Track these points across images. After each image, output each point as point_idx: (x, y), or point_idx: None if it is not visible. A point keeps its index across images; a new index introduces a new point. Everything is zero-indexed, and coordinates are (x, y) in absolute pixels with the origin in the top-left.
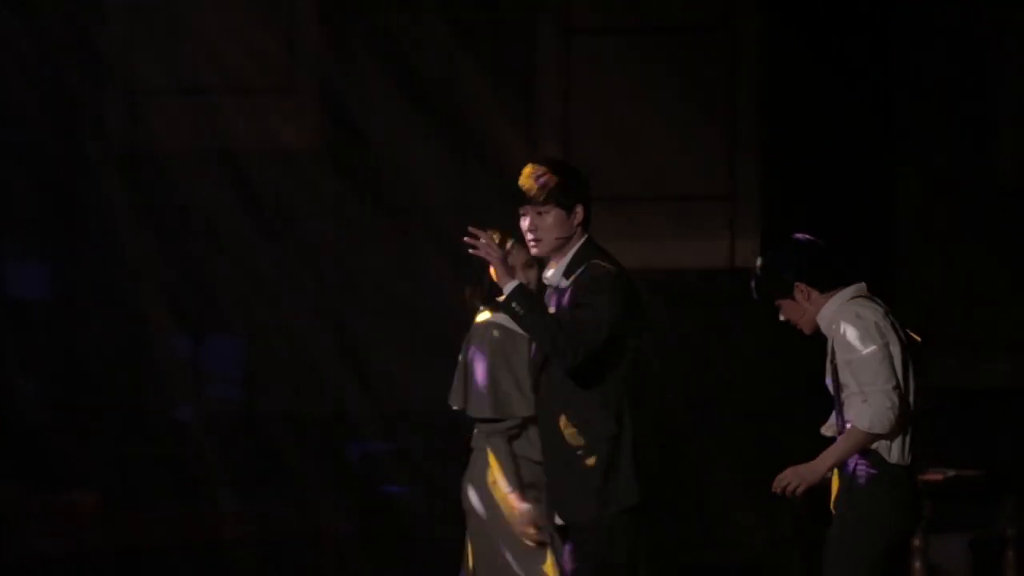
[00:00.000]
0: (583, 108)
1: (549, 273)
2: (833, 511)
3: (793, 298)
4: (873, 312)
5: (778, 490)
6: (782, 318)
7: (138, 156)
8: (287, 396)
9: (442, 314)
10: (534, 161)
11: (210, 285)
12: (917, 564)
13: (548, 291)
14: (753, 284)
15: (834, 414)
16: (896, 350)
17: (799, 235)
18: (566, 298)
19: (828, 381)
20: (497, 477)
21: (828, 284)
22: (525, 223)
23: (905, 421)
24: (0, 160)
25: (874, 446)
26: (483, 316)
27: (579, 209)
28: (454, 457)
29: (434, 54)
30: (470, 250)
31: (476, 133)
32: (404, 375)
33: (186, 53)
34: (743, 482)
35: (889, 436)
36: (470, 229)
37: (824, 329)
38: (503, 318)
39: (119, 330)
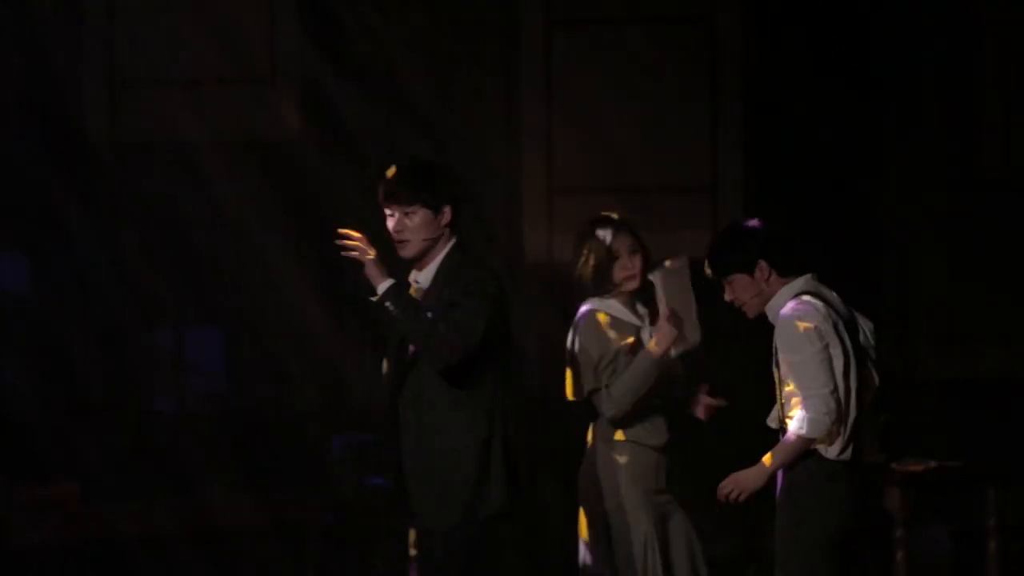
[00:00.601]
0: (565, 99)
1: (419, 275)
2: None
3: (751, 275)
4: (815, 312)
5: (721, 498)
6: (728, 297)
7: (120, 148)
8: (270, 389)
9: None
10: (400, 161)
11: (193, 277)
12: (899, 555)
13: (418, 294)
14: (712, 254)
15: (776, 406)
16: (837, 351)
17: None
18: (438, 299)
19: (775, 367)
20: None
21: (789, 268)
22: (391, 224)
23: (844, 420)
24: None
25: (815, 442)
26: (585, 306)
27: (447, 210)
28: None
29: (414, 45)
30: (341, 252)
31: (458, 124)
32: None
33: (169, 43)
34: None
35: (826, 440)
36: (339, 231)
37: (770, 317)
38: (606, 305)
39: (101, 323)
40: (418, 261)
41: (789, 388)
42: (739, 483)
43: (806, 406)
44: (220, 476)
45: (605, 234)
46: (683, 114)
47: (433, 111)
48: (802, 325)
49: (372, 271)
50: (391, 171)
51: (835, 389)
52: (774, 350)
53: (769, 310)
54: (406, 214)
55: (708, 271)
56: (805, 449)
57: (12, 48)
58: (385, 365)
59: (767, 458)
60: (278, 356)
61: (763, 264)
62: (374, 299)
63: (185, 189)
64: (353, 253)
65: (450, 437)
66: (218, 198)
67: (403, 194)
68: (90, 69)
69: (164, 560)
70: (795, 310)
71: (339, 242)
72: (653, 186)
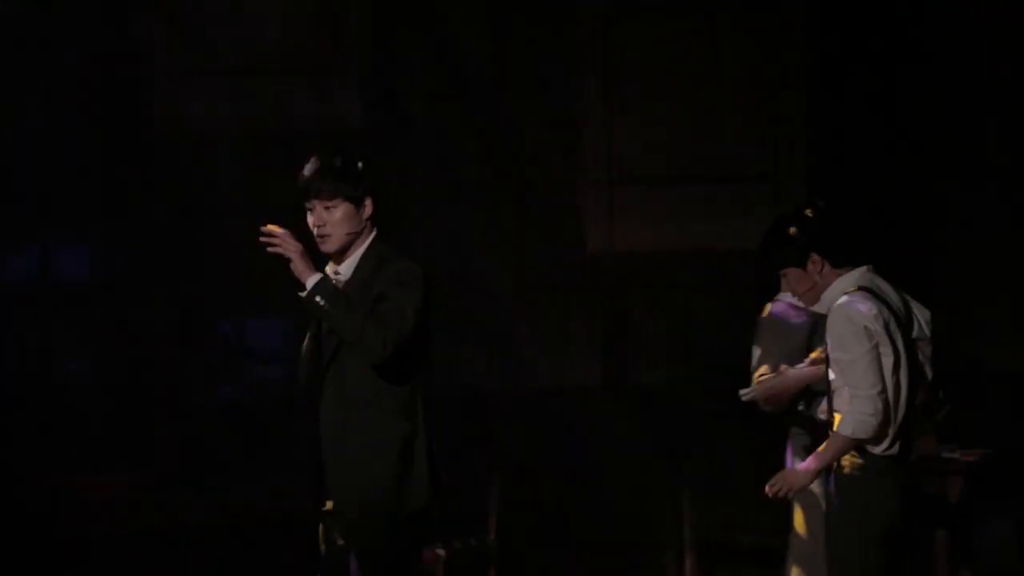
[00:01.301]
0: (625, 87)
1: (339, 268)
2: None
3: (804, 268)
4: (867, 312)
5: (770, 494)
6: (784, 289)
7: (184, 137)
8: None
9: (481, 292)
10: (320, 152)
11: (254, 268)
12: (956, 545)
13: (339, 286)
14: (764, 248)
15: (825, 399)
16: (886, 349)
17: (819, 203)
18: (363, 292)
19: (830, 359)
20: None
21: (842, 259)
22: (311, 218)
23: (892, 418)
24: (43, 143)
25: (861, 439)
26: (767, 308)
27: (368, 202)
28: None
29: (475, 35)
30: (267, 249)
31: (517, 114)
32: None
33: (233, 32)
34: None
35: (872, 440)
36: (263, 228)
37: (823, 309)
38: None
39: (163, 312)
40: (339, 254)
41: (838, 383)
42: (787, 481)
43: (853, 406)
44: (284, 465)
45: None
46: (746, 102)
47: (493, 101)
48: (852, 324)
49: (299, 266)
50: (310, 163)
51: (883, 389)
52: (826, 343)
53: (823, 302)
54: (327, 208)
55: (762, 265)
56: (852, 447)
57: (76, 37)
58: (304, 356)
59: (815, 456)
60: None
61: (815, 257)
62: (302, 294)
63: (246, 179)
64: (277, 249)
65: (372, 431)
66: (279, 189)
67: (324, 187)
68: (156, 58)
69: (229, 549)
70: (845, 308)
71: (262, 239)
72: (714, 176)
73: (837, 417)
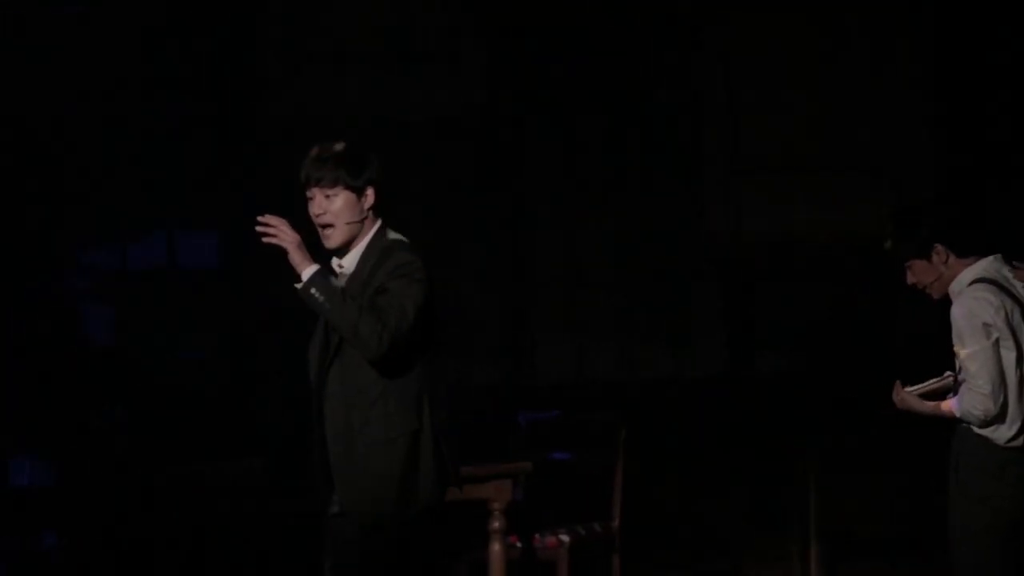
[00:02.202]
0: (750, 77)
1: (343, 260)
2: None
3: (929, 259)
4: (987, 306)
5: (895, 393)
6: (910, 281)
7: (306, 123)
8: (456, 365)
9: (605, 281)
10: (321, 142)
11: None
12: None
13: (342, 279)
14: (889, 241)
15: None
16: (1008, 343)
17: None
18: (365, 285)
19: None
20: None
21: (968, 249)
22: (313, 207)
23: (1015, 412)
24: (169, 132)
25: (980, 431)
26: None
27: (370, 192)
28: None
29: (597, 22)
30: (263, 239)
31: (639, 100)
32: (567, 345)
33: (351, 18)
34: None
35: (995, 432)
36: (259, 218)
37: (953, 298)
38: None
39: (287, 299)
40: (341, 247)
41: (962, 376)
42: (905, 400)
43: (965, 396)
44: None
45: None
46: (872, 88)
47: (614, 87)
48: (971, 319)
49: (296, 257)
50: (312, 152)
51: (994, 389)
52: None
53: (951, 292)
54: (327, 196)
55: (888, 257)
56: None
57: (198, 25)
58: (310, 353)
59: (926, 404)
60: (462, 332)
61: (939, 248)
62: (298, 286)
63: None
64: (273, 239)
65: (378, 428)
66: (403, 174)
67: (324, 174)
68: (277, 45)
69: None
70: (965, 302)
71: (258, 228)
72: (838, 164)
73: (950, 402)
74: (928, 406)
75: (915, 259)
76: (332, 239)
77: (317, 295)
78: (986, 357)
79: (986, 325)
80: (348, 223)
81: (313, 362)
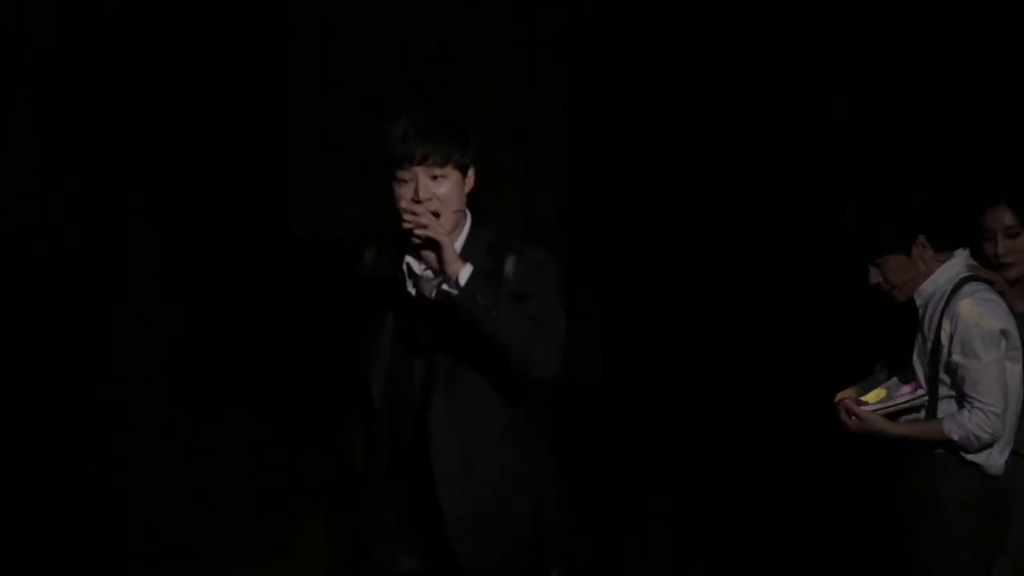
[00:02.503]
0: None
1: (420, 261)
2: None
3: (909, 254)
4: (999, 310)
5: (839, 406)
6: (874, 281)
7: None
8: None
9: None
10: (414, 108)
11: None
12: None
13: (429, 286)
14: (859, 231)
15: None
16: (1015, 354)
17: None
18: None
19: (916, 359)
20: None
21: (947, 243)
22: (408, 191)
23: (1008, 436)
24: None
25: (971, 458)
26: None
27: (472, 173)
28: None
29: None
30: (415, 233)
31: (769, 99)
32: None
33: None
34: None
35: (985, 458)
36: (405, 207)
37: (919, 302)
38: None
39: None
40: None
41: (945, 390)
42: (864, 421)
43: (971, 417)
44: None
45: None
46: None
47: (743, 70)
48: (985, 326)
49: (448, 254)
50: (404, 122)
51: (1004, 408)
52: (924, 335)
53: (920, 294)
54: (435, 178)
55: (851, 253)
56: (941, 444)
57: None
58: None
59: (901, 426)
60: None
61: (921, 240)
62: (456, 292)
63: None
64: (427, 232)
65: (503, 469)
66: None
67: (434, 150)
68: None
69: None
70: (978, 305)
71: (407, 219)
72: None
73: (942, 422)
74: (901, 429)
75: (891, 254)
76: (436, 229)
77: (483, 301)
78: (999, 370)
79: (1002, 332)
80: (455, 211)
81: (385, 386)
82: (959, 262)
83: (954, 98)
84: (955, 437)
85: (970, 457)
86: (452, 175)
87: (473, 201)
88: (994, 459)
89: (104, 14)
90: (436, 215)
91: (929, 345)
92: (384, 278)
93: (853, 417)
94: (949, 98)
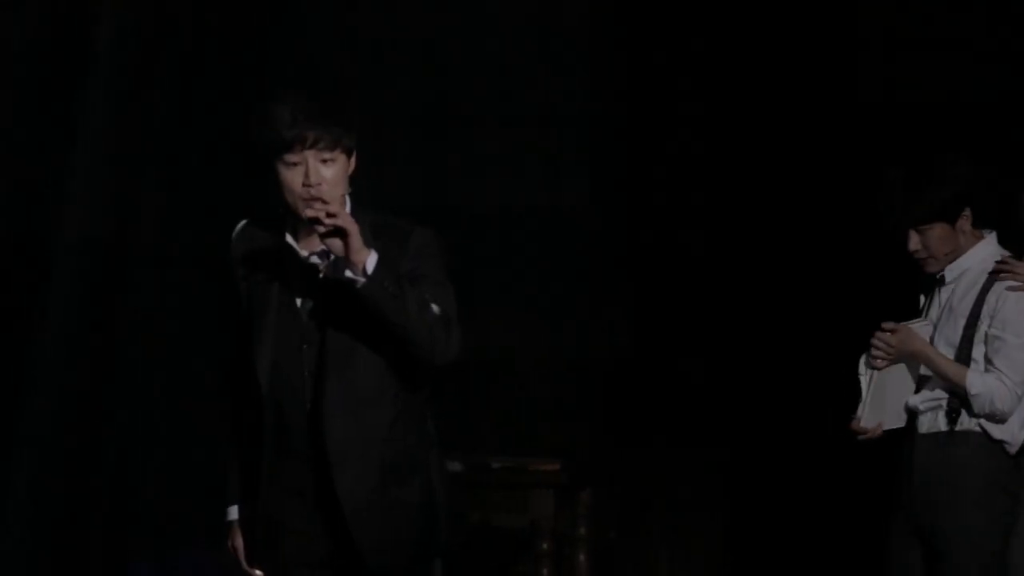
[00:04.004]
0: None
1: (306, 242)
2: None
3: (953, 226)
4: None
5: (875, 342)
6: (913, 248)
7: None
8: None
9: None
10: (298, 87)
11: None
12: None
13: (320, 269)
14: (911, 195)
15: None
16: None
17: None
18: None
19: (938, 333)
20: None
21: (984, 221)
22: (298, 176)
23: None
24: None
25: (997, 435)
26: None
27: (354, 155)
28: None
29: None
30: (323, 224)
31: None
32: None
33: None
34: None
35: (982, 416)
36: (313, 196)
37: (949, 277)
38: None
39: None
40: (307, 225)
41: (976, 363)
42: (903, 336)
43: (992, 387)
44: None
45: None
46: None
47: (769, 49)
48: None
49: (355, 243)
50: (295, 105)
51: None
52: (948, 311)
53: (952, 269)
54: (324, 161)
55: (897, 216)
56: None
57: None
58: (261, 367)
59: (934, 350)
60: None
61: (966, 213)
62: (362, 280)
63: None
64: (337, 221)
65: (396, 455)
66: None
67: (323, 134)
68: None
69: None
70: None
71: (316, 206)
72: None
73: (968, 372)
74: (935, 354)
75: (937, 222)
76: (326, 213)
77: (389, 288)
78: None
79: None
80: (342, 195)
81: (271, 372)
82: (993, 243)
83: (984, 73)
84: (973, 391)
85: (996, 435)
86: (340, 158)
87: (498, 181)
88: (1017, 436)
89: None
90: (322, 201)
91: (963, 320)
92: (260, 263)
93: (898, 335)
94: (977, 73)
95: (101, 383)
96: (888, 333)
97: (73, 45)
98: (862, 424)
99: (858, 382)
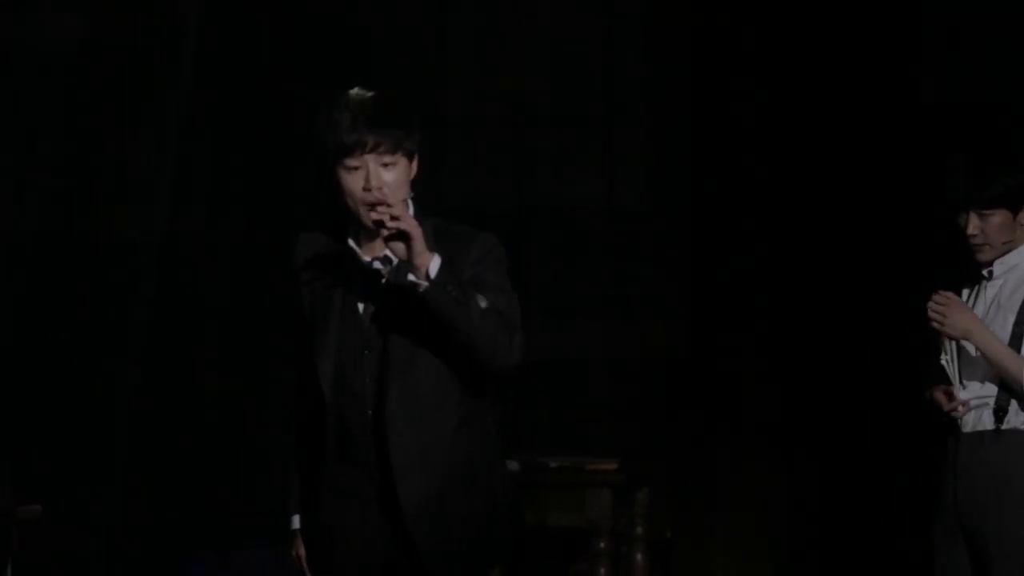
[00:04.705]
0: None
1: (367, 248)
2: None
3: (1015, 216)
4: None
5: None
6: (971, 232)
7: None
8: None
9: None
10: (361, 88)
11: None
12: None
13: (382, 274)
14: (982, 177)
15: None
16: None
17: None
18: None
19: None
20: None
21: None
22: (358, 180)
23: None
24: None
25: None
26: None
27: (416, 159)
28: None
29: None
30: (386, 226)
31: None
32: None
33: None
34: None
35: None
36: (376, 197)
37: (997, 271)
38: None
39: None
40: (372, 231)
41: None
42: (955, 309)
43: None
44: None
45: None
46: None
47: (834, 47)
48: None
49: (420, 246)
50: (354, 102)
51: None
52: (996, 305)
53: (1003, 262)
54: (385, 165)
55: (961, 200)
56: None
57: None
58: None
59: (988, 332)
60: None
61: None
62: (425, 284)
63: None
64: (400, 224)
65: (458, 462)
66: None
67: (383, 138)
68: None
69: None
70: None
71: (380, 209)
72: None
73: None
74: (1001, 347)
75: (1000, 209)
76: (389, 218)
77: (453, 293)
78: None
79: None
80: (404, 199)
81: (333, 378)
82: None
83: None
84: (1021, 379)
85: None
86: (401, 162)
87: (559, 181)
88: None
89: None
90: (384, 205)
91: (1012, 316)
92: (322, 269)
93: (944, 305)
94: None
95: (167, 381)
96: (942, 297)
97: (137, 41)
98: (962, 397)
99: (940, 368)
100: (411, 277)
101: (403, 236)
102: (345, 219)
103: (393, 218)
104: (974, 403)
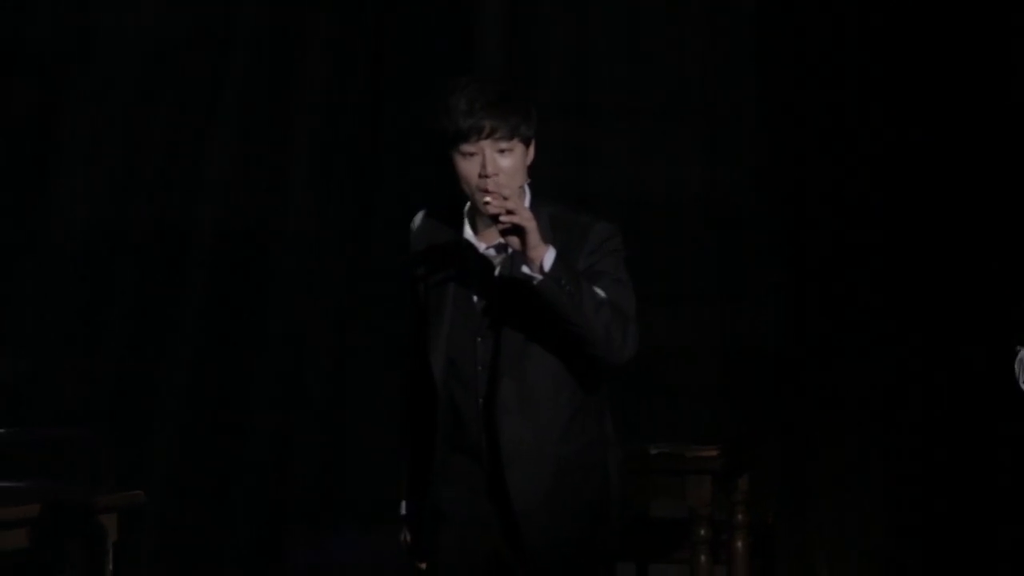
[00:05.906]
0: None
1: (482, 237)
2: None
3: None
4: None
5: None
6: None
7: None
8: None
9: None
10: (475, 79)
11: None
12: None
13: (495, 263)
14: None
15: None
16: None
17: None
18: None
19: None
20: None
21: None
22: (475, 166)
23: None
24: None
25: None
26: None
27: (533, 145)
28: None
29: None
30: (500, 220)
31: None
32: None
33: None
34: None
35: None
36: (490, 188)
37: None
38: None
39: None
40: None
41: None
42: None
43: None
44: None
45: None
46: None
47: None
48: None
49: (535, 239)
50: (471, 89)
51: None
52: None
53: None
54: (501, 151)
55: None
56: None
57: None
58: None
59: None
60: None
61: None
62: (539, 277)
63: None
64: (514, 218)
65: (573, 455)
66: None
67: (502, 123)
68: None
69: None
70: None
71: (495, 201)
72: None
73: None
74: None
75: None
76: (500, 204)
77: (567, 286)
78: None
79: None
80: (520, 185)
81: (445, 366)
82: None
83: None
84: None
85: None
86: (517, 148)
87: (663, 170)
88: None
89: None
90: (503, 189)
91: None
92: (439, 255)
93: None
94: None
95: (251, 366)
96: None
97: (218, 33)
98: None
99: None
100: (525, 270)
101: (518, 229)
102: (460, 205)
103: (508, 212)
104: None
